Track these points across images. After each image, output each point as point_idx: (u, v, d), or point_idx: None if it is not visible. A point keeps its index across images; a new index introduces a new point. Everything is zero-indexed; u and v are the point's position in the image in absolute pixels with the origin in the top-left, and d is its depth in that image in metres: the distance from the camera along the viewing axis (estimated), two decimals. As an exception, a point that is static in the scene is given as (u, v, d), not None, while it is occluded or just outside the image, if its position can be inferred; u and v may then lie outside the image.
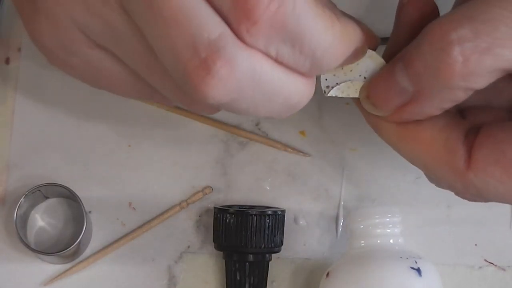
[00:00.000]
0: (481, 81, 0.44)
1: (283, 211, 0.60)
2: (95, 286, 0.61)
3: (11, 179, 0.61)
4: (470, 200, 0.50)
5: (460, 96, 0.45)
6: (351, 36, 0.46)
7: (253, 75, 0.43)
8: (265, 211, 0.58)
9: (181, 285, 0.61)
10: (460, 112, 0.50)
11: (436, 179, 0.49)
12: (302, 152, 0.62)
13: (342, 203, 0.62)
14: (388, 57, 0.49)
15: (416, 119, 0.48)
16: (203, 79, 0.42)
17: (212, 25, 0.42)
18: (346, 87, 0.49)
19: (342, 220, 0.61)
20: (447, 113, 0.48)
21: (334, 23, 0.44)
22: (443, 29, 0.44)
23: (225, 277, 0.60)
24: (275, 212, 0.59)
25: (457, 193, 0.48)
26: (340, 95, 0.49)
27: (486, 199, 0.47)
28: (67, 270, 0.60)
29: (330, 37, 0.44)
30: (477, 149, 0.46)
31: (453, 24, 0.44)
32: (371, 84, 0.48)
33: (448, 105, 0.46)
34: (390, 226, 0.57)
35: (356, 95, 0.49)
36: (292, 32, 0.43)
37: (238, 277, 0.59)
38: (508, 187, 0.45)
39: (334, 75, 0.49)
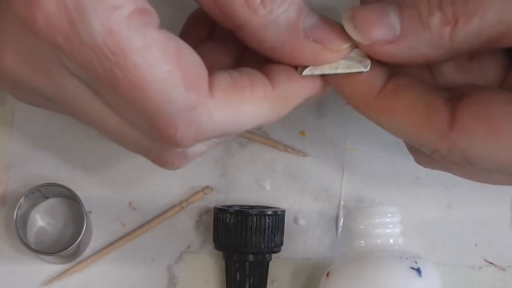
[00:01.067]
0: (466, 46, 0.45)
1: (283, 211, 0.60)
2: (95, 286, 0.61)
3: (11, 179, 0.61)
4: (456, 171, 0.49)
5: (438, 55, 0.46)
6: (297, 93, 0.48)
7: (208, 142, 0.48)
8: (265, 211, 0.58)
9: (181, 285, 0.61)
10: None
11: (420, 145, 0.48)
12: (302, 152, 0.62)
13: (342, 203, 0.61)
14: None
15: (391, 61, 0.47)
16: (165, 166, 0.49)
17: (144, 142, 0.47)
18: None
19: (342, 220, 0.61)
20: (426, 82, 0.48)
21: (267, 96, 0.47)
22: None
23: (225, 277, 0.60)
24: (275, 212, 0.59)
25: (442, 158, 0.47)
26: (315, 73, 0.48)
27: (472, 163, 0.46)
28: (67, 270, 0.60)
29: (263, 115, 0.47)
30: (460, 109, 0.45)
31: None
32: (360, 8, 0.47)
33: (424, 58, 0.46)
34: (390, 226, 0.57)
35: (332, 72, 0.48)
36: (220, 134, 0.46)
37: (238, 277, 0.59)
38: (491, 149, 0.44)
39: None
